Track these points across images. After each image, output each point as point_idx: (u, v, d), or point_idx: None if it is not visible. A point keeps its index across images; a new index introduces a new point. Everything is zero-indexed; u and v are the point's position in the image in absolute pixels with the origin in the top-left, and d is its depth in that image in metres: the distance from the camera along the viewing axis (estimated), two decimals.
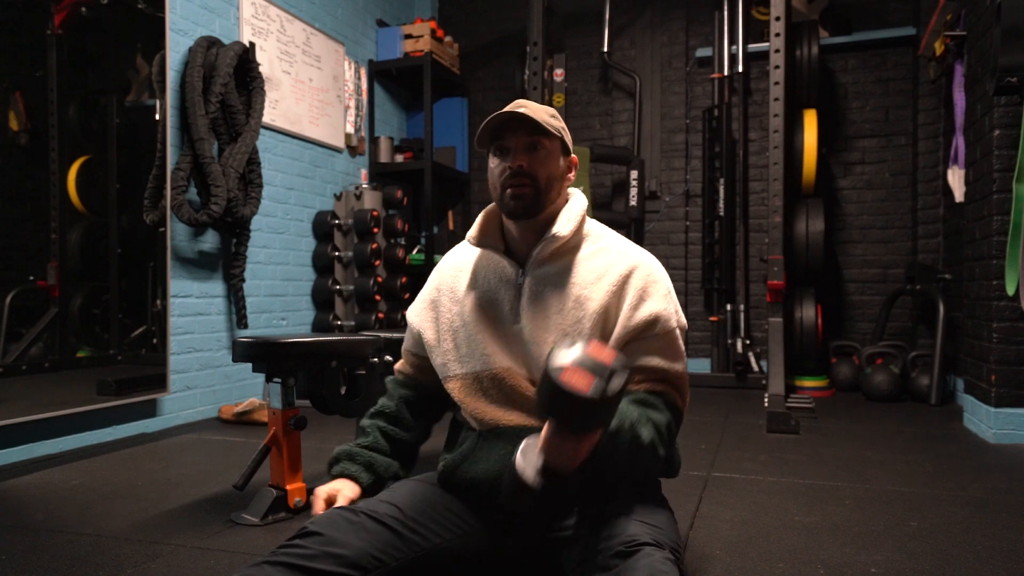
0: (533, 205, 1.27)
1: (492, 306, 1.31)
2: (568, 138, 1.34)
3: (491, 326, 1.30)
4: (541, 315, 1.26)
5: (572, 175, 1.36)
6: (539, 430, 1.11)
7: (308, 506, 1.90)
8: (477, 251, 1.39)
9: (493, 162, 1.31)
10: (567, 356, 0.97)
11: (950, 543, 1.68)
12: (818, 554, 1.61)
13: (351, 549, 1.10)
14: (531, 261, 1.29)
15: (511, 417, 1.25)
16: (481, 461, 1.27)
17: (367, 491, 1.32)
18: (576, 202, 1.34)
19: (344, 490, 1.30)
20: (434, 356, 1.37)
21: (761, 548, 1.65)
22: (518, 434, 1.18)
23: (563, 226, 1.28)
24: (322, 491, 1.29)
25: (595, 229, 1.35)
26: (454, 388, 1.32)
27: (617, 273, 1.25)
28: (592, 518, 1.17)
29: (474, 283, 1.35)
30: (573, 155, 1.36)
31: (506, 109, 1.28)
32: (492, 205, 1.37)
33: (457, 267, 1.41)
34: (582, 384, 0.95)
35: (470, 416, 1.30)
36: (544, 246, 1.28)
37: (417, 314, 1.42)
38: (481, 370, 1.29)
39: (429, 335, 1.38)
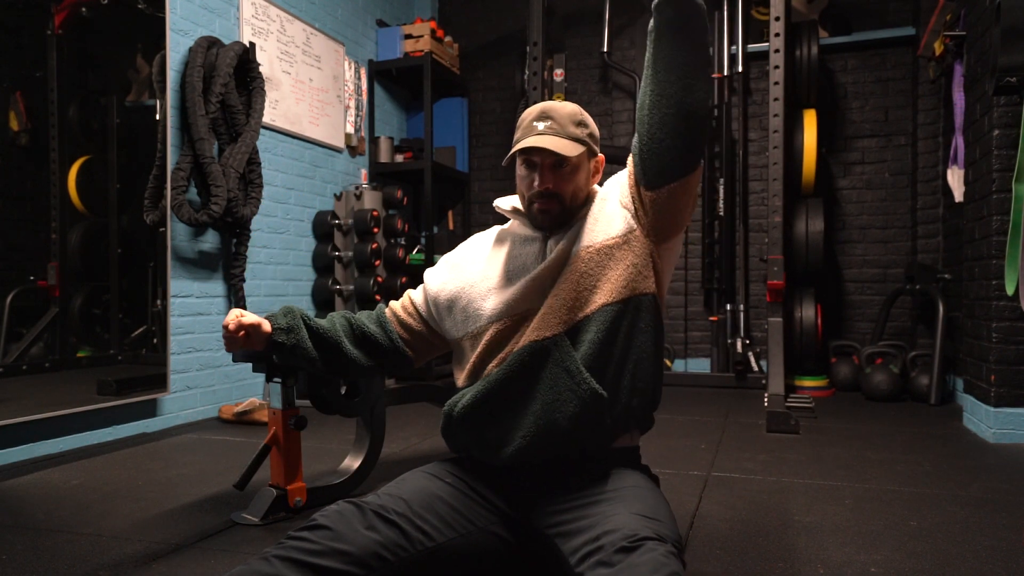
0: (560, 218, 1.37)
1: (514, 259, 1.40)
2: (595, 139, 1.41)
3: (513, 279, 1.37)
4: (568, 244, 1.35)
5: (599, 176, 1.45)
6: (527, 348, 1.29)
7: (308, 506, 1.91)
8: (503, 227, 1.51)
9: (521, 170, 1.39)
10: None
11: (950, 543, 1.68)
12: (818, 554, 1.61)
13: (357, 546, 1.11)
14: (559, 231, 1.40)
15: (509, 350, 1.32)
16: (474, 388, 1.33)
17: (274, 335, 1.44)
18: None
19: (251, 318, 1.43)
20: (449, 316, 1.43)
21: (761, 548, 1.65)
22: (509, 358, 1.30)
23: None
24: (235, 312, 1.43)
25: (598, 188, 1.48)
26: (469, 344, 1.38)
27: (616, 186, 1.41)
28: (593, 515, 1.17)
29: (498, 246, 1.45)
30: (600, 155, 1.44)
31: (532, 114, 1.36)
32: None
33: (483, 239, 1.51)
34: None
35: (476, 370, 1.35)
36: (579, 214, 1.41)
37: (435, 275, 1.50)
38: (498, 318, 1.34)
39: (445, 296, 1.44)
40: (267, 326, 1.44)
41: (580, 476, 1.29)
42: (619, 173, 1.41)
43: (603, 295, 1.30)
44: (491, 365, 1.32)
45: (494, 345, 1.33)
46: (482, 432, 1.31)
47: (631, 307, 1.31)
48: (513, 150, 1.35)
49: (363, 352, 1.48)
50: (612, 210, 1.36)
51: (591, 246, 1.33)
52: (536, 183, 1.34)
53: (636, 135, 1.29)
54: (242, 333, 1.42)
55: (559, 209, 1.35)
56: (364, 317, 1.51)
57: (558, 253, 1.34)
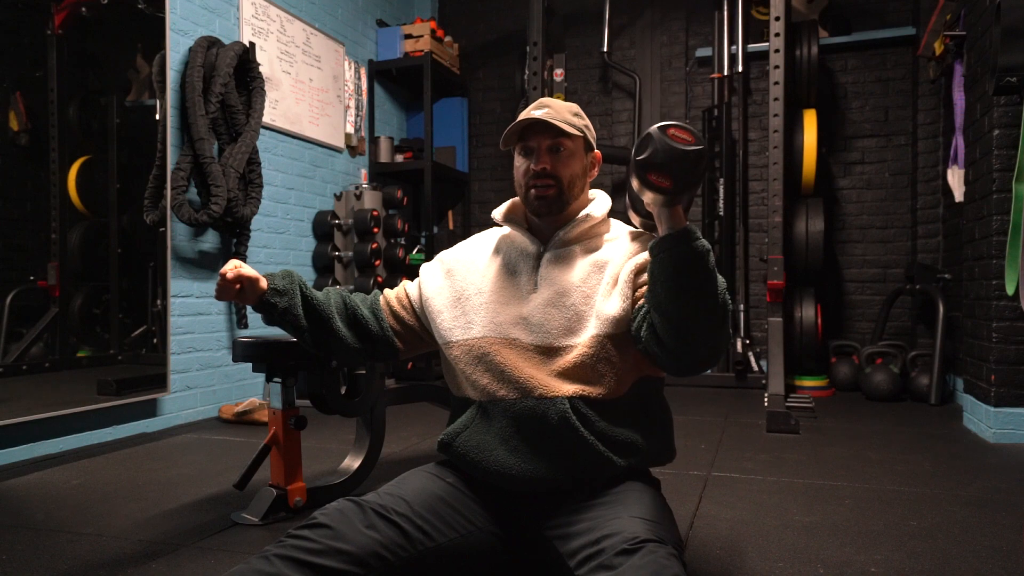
0: (556, 203, 1.34)
1: (509, 277, 1.37)
2: (591, 135, 1.39)
3: (505, 296, 1.35)
4: (560, 280, 1.32)
5: (595, 171, 1.43)
6: (531, 405, 1.23)
7: (308, 506, 1.91)
8: (502, 232, 1.46)
9: (518, 160, 1.37)
10: (664, 121, 1.05)
11: (950, 543, 1.68)
12: (818, 554, 1.61)
13: (356, 545, 1.11)
14: (556, 239, 1.37)
15: (506, 391, 1.28)
16: (479, 434, 1.30)
17: (267, 295, 1.42)
18: (605, 198, 1.44)
19: (249, 271, 1.40)
20: (438, 321, 1.41)
21: (761, 548, 1.65)
22: (513, 407, 1.25)
23: (596, 209, 1.39)
24: (235, 262, 1.42)
25: (617, 224, 1.44)
26: (458, 355, 1.35)
27: (636, 244, 1.34)
28: (594, 518, 1.17)
29: (495, 256, 1.42)
30: (596, 151, 1.42)
31: (530, 108, 1.35)
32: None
33: (481, 243, 1.48)
34: (688, 137, 1.03)
35: (469, 384, 1.33)
36: (573, 226, 1.36)
37: (431, 276, 1.47)
38: (486, 336, 1.32)
39: (437, 301, 1.42)
40: (263, 283, 1.43)
41: (582, 491, 1.29)
42: (633, 264, 1.29)
43: (613, 375, 1.27)
44: (481, 379, 1.30)
45: (479, 358, 1.31)
46: (481, 467, 1.30)
47: (644, 389, 1.31)
48: (511, 126, 1.33)
49: (353, 333, 1.47)
50: (616, 290, 1.28)
51: (597, 335, 1.26)
52: (534, 164, 1.32)
53: (641, 324, 1.22)
54: (238, 285, 1.40)
55: (556, 192, 1.33)
56: (359, 300, 1.50)
57: (553, 294, 1.30)
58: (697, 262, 1.10)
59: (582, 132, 1.35)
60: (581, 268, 1.32)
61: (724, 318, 1.16)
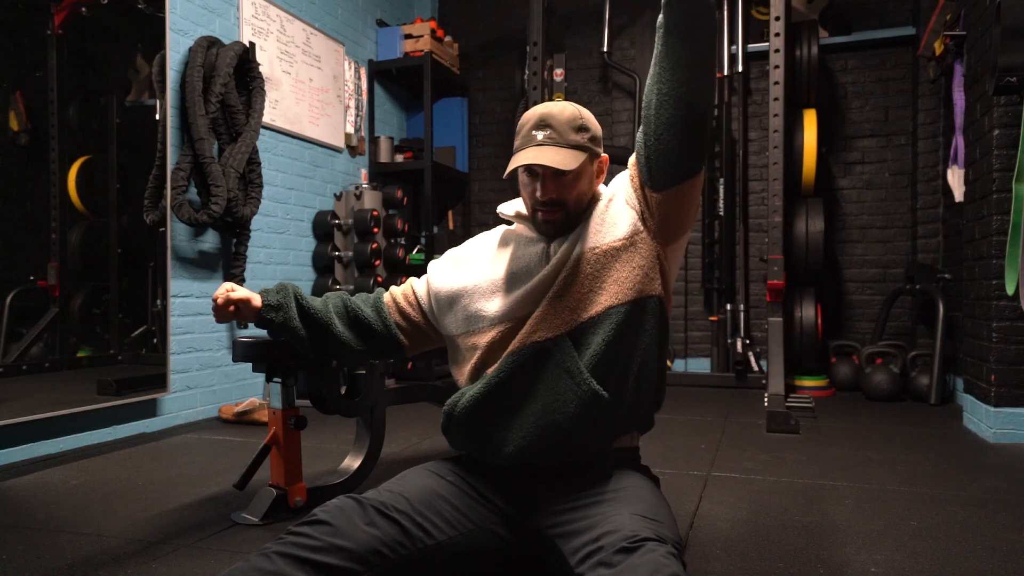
0: (564, 226, 1.37)
1: (518, 264, 1.39)
2: (596, 143, 1.38)
3: (514, 281, 1.37)
4: (571, 246, 1.34)
5: (603, 175, 1.44)
6: (526, 351, 1.28)
7: (308, 506, 1.91)
8: (509, 227, 1.49)
9: (523, 177, 1.38)
10: None
11: (950, 543, 1.68)
12: (818, 554, 1.61)
13: (356, 542, 1.11)
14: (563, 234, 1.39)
15: (508, 350, 1.31)
16: (474, 388, 1.32)
17: (262, 311, 1.48)
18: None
19: (241, 293, 1.48)
20: (448, 315, 1.44)
21: (761, 548, 1.65)
22: (509, 357, 1.29)
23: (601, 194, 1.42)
24: (226, 285, 1.49)
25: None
26: (469, 344, 1.38)
27: (620, 187, 1.40)
28: (594, 516, 1.17)
29: (503, 248, 1.45)
30: (604, 155, 1.42)
31: (530, 125, 1.33)
32: None
33: (489, 239, 1.51)
34: None
35: (476, 373, 1.35)
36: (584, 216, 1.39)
37: (440, 272, 1.49)
38: (497, 324, 1.34)
39: (446, 295, 1.44)
40: (257, 301, 1.47)
41: (580, 477, 1.29)
42: (622, 173, 1.40)
43: (609, 297, 1.29)
44: (492, 366, 1.32)
45: (495, 347, 1.33)
46: (482, 432, 1.32)
47: (637, 309, 1.31)
48: (511, 166, 1.32)
49: (355, 335, 1.49)
50: (617, 211, 1.35)
51: (596, 248, 1.32)
52: (539, 192, 1.32)
53: (641, 135, 1.28)
54: (231, 308, 1.46)
55: (563, 216, 1.35)
56: (360, 300, 1.53)
57: (561, 255, 1.33)
58: (707, 11, 1.19)
59: (586, 150, 1.33)
60: (590, 233, 1.35)
61: (715, 65, 1.25)
